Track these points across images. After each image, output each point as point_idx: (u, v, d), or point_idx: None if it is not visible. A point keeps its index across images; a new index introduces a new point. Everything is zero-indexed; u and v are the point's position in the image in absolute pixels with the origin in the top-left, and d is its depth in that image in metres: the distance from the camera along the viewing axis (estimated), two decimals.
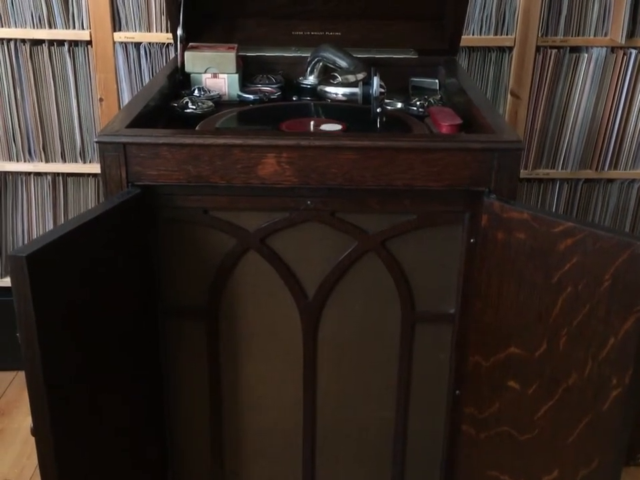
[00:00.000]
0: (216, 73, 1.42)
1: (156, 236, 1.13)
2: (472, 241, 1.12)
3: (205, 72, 1.43)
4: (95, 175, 1.89)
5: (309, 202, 1.11)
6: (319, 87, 1.39)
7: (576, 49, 1.82)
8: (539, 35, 1.79)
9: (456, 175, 1.07)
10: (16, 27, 1.77)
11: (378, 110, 1.22)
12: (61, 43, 1.79)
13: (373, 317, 1.19)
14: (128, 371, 1.13)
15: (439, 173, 1.07)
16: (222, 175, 1.07)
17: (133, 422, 1.17)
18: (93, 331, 1.03)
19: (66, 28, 1.78)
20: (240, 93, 1.43)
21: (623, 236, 0.96)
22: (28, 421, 1.81)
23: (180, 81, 1.43)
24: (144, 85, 1.82)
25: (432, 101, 1.38)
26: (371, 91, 1.23)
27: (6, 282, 1.97)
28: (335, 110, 1.34)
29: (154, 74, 1.81)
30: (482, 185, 1.08)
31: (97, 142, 1.07)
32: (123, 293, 1.09)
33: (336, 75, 1.38)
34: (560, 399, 1.07)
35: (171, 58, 1.78)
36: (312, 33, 1.56)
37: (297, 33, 1.57)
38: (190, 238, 1.14)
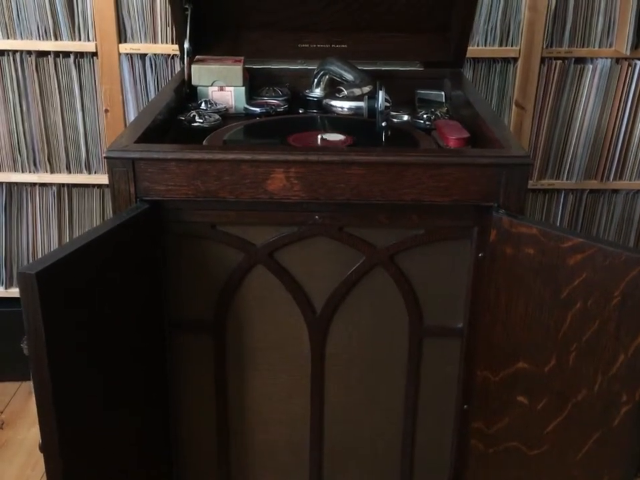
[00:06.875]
0: (222, 86, 1.43)
1: (164, 250, 1.13)
2: (480, 255, 1.12)
3: (212, 85, 1.43)
4: (100, 186, 1.90)
5: (317, 217, 1.11)
6: (325, 101, 1.39)
7: (581, 60, 1.82)
8: (544, 46, 1.79)
9: (464, 190, 1.07)
10: (22, 38, 1.77)
11: (383, 124, 1.22)
12: (66, 54, 1.79)
13: (381, 331, 1.19)
14: (136, 385, 1.13)
15: (447, 188, 1.07)
16: (230, 189, 1.08)
17: (140, 436, 1.16)
18: (102, 346, 1.02)
19: (71, 39, 1.78)
20: (247, 106, 1.43)
21: (632, 252, 0.95)
22: (32, 432, 1.83)
23: (187, 94, 1.44)
24: (149, 96, 1.82)
25: (438, 113, 1.38)
26: (376, 105, 1.23)
27: (10, 293, 1.97)
28: (341, 123, 1.34)
29: (159, 85, 1.81)
30: (490, 200, 1.08)
31: (105, 157, 1.07)
32: (131, 307, 1.09)
33: (342, 88, 1.38)
34: (569, 414, 1.07)
35: (176, 69, 1.79)
36: (318, 46, 1.56)
37: (303, 45, 1.57)
38: (198, 252, 1.14)
